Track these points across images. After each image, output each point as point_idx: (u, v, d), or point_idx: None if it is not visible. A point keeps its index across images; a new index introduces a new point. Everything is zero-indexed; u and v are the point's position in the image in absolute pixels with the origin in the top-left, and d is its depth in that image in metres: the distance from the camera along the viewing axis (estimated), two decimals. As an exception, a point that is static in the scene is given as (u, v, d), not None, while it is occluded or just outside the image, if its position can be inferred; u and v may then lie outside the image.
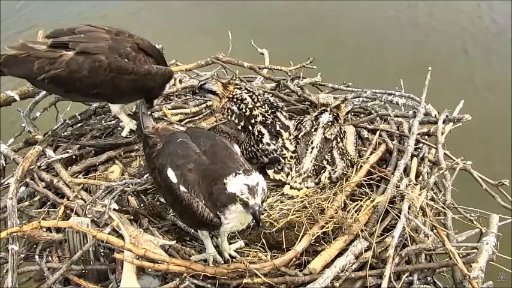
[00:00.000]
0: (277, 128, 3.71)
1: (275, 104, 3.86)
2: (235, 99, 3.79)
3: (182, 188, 2.69)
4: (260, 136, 3.66)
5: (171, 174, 2.75)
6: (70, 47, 3.37)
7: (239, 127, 3.74)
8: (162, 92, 3.91)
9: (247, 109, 3.73)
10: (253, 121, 3.70)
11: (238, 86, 3.96)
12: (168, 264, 2.74)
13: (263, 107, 3.77)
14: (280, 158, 3.61)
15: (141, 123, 3.26)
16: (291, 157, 3.62)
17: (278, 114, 3.80)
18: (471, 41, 7.59)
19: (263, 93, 3.97)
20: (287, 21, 7.77)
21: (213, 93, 3.92)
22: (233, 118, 3.76)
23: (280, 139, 3.68)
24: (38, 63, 3.34)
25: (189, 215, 2.71)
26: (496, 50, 7.42)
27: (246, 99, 3.78)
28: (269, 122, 3.72)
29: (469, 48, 7.45)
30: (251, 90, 3.89)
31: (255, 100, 3.78)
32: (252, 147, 3.64)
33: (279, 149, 3.63)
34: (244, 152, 3.62)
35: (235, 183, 2.52)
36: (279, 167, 3.60)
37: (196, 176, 2.70)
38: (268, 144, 3.63)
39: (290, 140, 3.70)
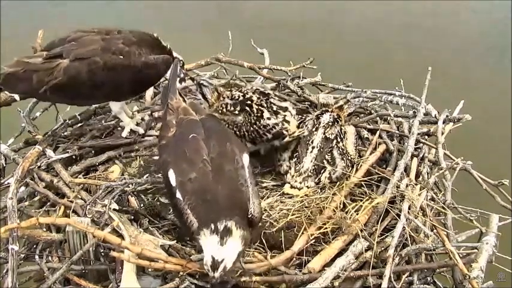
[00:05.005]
0: (274, 109, 3.64)
1: (265, 92, 3.78)
2: (225, 96, 3.75)
3: (178, 195, 2.65)
4: (260, 112, 3.57)
5: (172, 176, 2.71)
6: (64, 57, 3.38)
7: (236, 112, 3.63)
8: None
9: (240, 96, 3.67)
10: (249, 102, 3.63)
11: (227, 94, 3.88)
12: (164, 263, 2.74)
13: (254, 94, 3.70)
14: (284, 131, 3.56)
15: (168, 88, 3.15)
16: (294, 132, 3.57)
17: (271, 99, 3.70)
18: (471, 40, 7.61)
19: (251, 87, 3.90)
20: (287, 21, 7.78)
21: (205, 99, 3.92)
22: (229, 107, 3.67)
23: (279, 115, 3.61)
24: (36, 76, 3.33)
25: (180, 220, 2.73)
26: (496, 49, 7.42)
27: (235, 92, 3.73)
28: (265, 104, 3.64)
29: (469, 48, 7.47)
30: (238, 88, 3.85)
31: (245, 91, 3.72)
32: (254, 125, 3.56)
33: (280, 124, 3.57)
34: (246, 133, 3.56)
35: (207, 247, 2.52)
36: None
37: (195, 189, 2.64)
38: (269, 119, 3.55)
39: (291, 114, 3.64)
